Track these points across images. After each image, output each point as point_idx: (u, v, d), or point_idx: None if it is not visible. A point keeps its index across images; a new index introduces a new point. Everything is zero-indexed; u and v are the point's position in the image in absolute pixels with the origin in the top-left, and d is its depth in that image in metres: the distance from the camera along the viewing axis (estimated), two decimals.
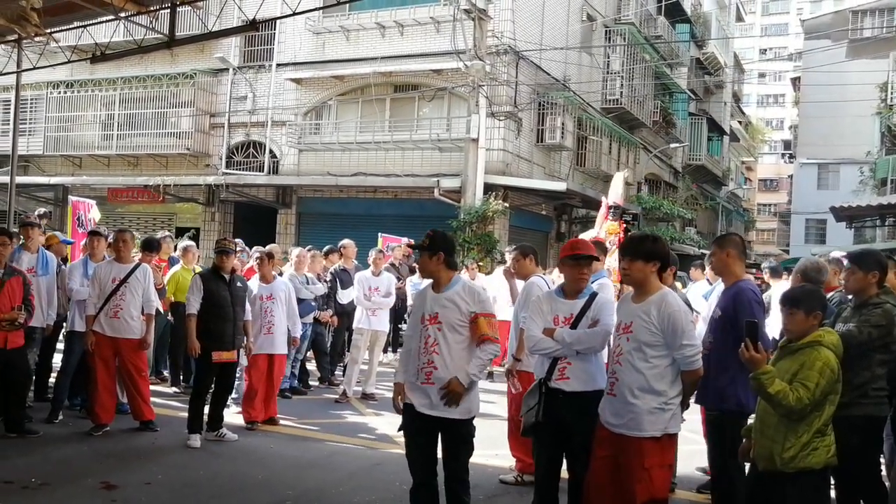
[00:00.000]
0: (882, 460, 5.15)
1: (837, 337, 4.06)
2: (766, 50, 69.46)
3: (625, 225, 7.52)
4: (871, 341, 4.48)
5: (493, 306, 4.77)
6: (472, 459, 4.56)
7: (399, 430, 4.64)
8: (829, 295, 4.88)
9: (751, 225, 53.02)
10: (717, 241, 5.00)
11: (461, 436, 4.47)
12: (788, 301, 4.11)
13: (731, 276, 4.77)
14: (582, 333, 4.55)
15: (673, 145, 27.80)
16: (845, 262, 5.15)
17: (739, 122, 48.50)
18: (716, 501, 4.71)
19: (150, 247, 8.57)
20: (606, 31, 22.30)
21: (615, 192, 9.28)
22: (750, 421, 4.28)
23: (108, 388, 7.09)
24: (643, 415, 3.96)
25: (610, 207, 8.72)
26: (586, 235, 8.25)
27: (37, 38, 10.12)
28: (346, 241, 10.76)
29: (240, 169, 19.76)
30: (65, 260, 8.72)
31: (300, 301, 8.67)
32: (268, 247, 8.58)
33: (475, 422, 4.55)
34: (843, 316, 4.77)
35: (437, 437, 4.51)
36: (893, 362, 4.57)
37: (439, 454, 4.55)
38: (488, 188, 16.39)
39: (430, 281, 4.66)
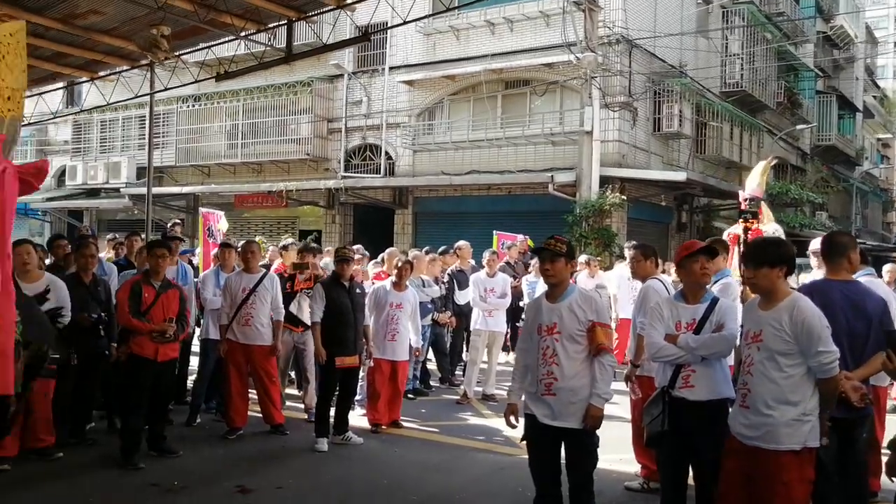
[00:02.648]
0: None
1: None
2: None
3: (744, 223, 6.83)
4: None
5: (608, 314, 4.71)
6: None
7: (522, 440, 4.63)
8: None
9: (890, 206, 49.67)
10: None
11: (584, 446, 4.42)
12: None
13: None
14: (707, 338, 4.40)
15: (800, 127, 26.41)
16: None
17: (874, 97, 45.52)
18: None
19: (308, 248, 8.71)
20: (724, 11, 21.41)
21: (752, 183, 8.51)
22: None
23: (241, 393, 7.42)
24: (780, 427, 3.78)
25: (746, 200, 8.06)
26: (730, 231, 7.66)
27: (166, 61, 10.70)
28: (461, 243, 10.85)
29: (357, 172, 20.22)
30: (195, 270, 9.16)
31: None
32: (388, 251, 8.69)
33: None
34: None
35: (560, 447, 4.48)
36: None
37: (563, 463, 4.51)
38: (604, 181, 16.08)
39: (545, 288, 4.63)
